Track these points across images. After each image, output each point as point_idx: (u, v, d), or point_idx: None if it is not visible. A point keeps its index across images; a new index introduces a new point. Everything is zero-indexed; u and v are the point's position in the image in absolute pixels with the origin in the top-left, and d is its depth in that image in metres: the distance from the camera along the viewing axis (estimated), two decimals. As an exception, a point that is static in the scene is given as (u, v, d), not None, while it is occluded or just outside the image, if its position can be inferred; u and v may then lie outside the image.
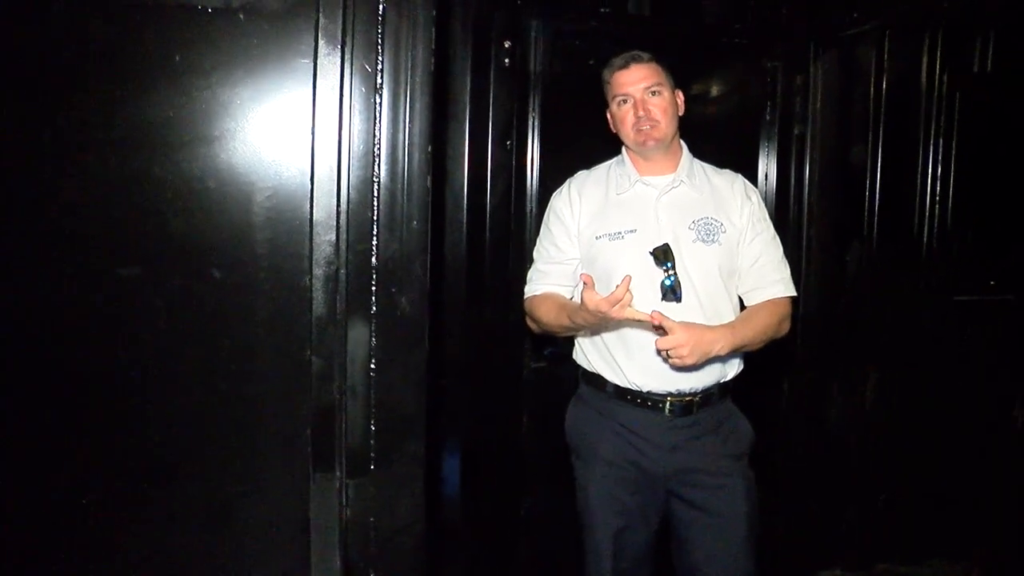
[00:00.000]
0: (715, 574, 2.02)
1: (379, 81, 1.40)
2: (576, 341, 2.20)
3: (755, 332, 1.99)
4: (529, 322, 2.23)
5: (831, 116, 3.04)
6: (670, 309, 1.96)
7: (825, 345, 3.07)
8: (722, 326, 1.96)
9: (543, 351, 2.75)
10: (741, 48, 2.98)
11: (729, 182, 2.14)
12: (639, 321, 1.85)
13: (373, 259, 1.42)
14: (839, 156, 3.07)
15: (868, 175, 3.09)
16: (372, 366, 1.43)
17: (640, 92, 2.04)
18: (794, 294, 2.10)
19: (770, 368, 2.84)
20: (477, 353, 2.55)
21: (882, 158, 3.08)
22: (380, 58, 1.40)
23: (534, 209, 2.69)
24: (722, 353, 1.90)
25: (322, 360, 1.42)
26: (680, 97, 2.12)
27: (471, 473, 2.57)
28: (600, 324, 1.94)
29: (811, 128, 3.03)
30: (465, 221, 2.44)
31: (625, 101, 2.06)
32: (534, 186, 2.71)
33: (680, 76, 2.14)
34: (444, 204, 2.40)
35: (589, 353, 2.14)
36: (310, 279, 1.39)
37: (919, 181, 3.14)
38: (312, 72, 1.38)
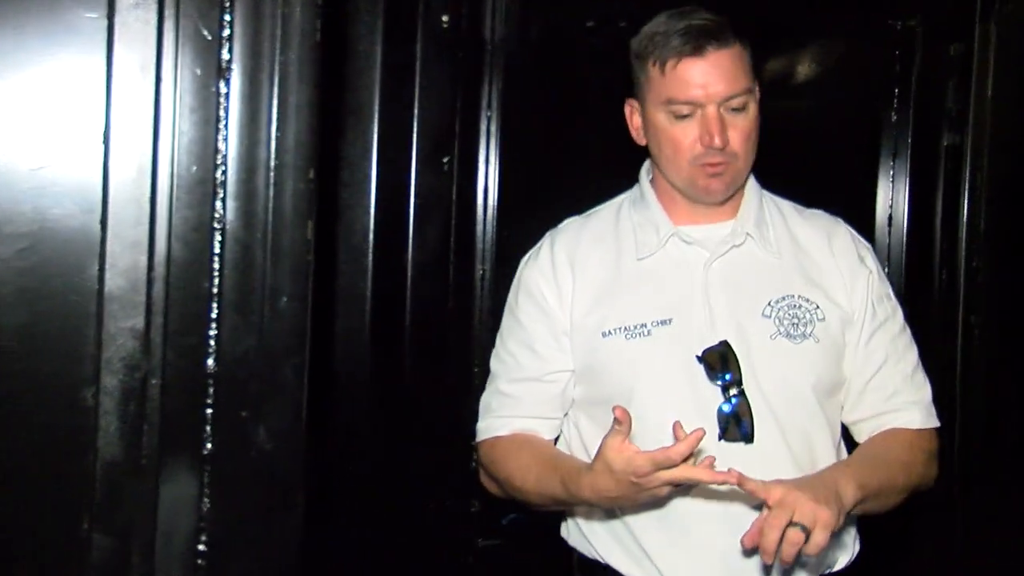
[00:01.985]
0: None
1: (226, 57, 1.44)
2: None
3: (887, 477, 2.02)
4: (486, 480, 2.24)
5: (1019, 113, 3.08)
6: (734, 453, 1.99)
7: (1006, 506, 3.05)
8: (834, 468, 2.00)
9: (500, 519, 2.76)
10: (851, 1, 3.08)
11: (825, 233, 2.19)
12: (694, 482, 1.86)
13: (209, 361, 1.44)
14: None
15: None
16: (202, 548, 1.44)
17: (718, 101, 2.05)
18: (937, 425, 2.16)
19: (895, 543, 2.86)
20: (389, 522, 2.55)
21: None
22: (228, 17, 1.44)
23: (487, 272, 2.73)
24: (847, 509, 1.91)
25: (110, 538, 1.41)
26: (757, 92, 2.17)
27: None
28: (627, 495, 1.93)
29: (975, 134, 3.09)
30: (370, 295, 2.47)
31: (689, 115, 2.08)
32: (489, 233, 2.76)
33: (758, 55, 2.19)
34: (336, 266, 2.42)
35: (590, 530, 2.15)
36: (95, 394, 1.40)
37: None
38: (106, 37, 1.41)
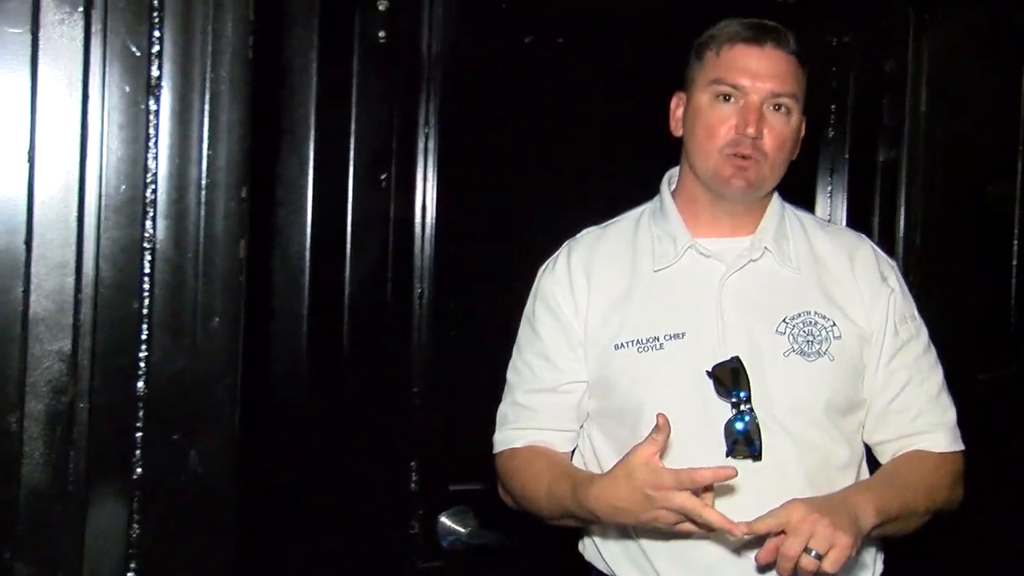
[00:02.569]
0: None
1: (155, 74, 1.43)
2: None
3: (908, 501, 2.04)
4: (503, 492, 2.24)
5: (951, 129, 3.10)
6: (746, 471, 1.97)
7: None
8: (854, 490, 2.01)
9: (440, 541, 2.75)
10: (787, 16, 3.11)
11: (847, 249, 2.20)
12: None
13: (139, 384, 1.42)
14: (966, 200, 3.11)
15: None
16: (132, 577, 1.42)
17: (763, 95, 2.08)
18: (962, 448, 2.16)
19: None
20: (327, 544, 2.53)
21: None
22: (157, 33, 1.43)
23: (425, 291, 2.72)
24: (865, 533, 1.93)
25: (34, 568, 1.40)
26: (803, 127, 2.19)
27: None
28: (635, 509, 1.90)
29: (910, 150, 3.11)
30: (307, 313, 2.45)
31: (729, 98, 2.10)
32: (427, 251, 2.75)
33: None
34: (271, 285, 2.41)
35: (604, 544, 2.16)
36: (18, 420, 1.38)
37: None
38: (31, 53, 1.40)
